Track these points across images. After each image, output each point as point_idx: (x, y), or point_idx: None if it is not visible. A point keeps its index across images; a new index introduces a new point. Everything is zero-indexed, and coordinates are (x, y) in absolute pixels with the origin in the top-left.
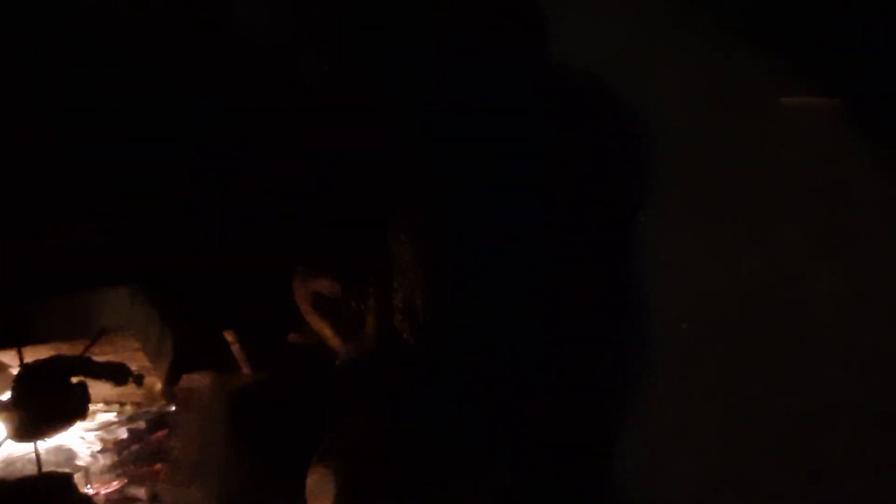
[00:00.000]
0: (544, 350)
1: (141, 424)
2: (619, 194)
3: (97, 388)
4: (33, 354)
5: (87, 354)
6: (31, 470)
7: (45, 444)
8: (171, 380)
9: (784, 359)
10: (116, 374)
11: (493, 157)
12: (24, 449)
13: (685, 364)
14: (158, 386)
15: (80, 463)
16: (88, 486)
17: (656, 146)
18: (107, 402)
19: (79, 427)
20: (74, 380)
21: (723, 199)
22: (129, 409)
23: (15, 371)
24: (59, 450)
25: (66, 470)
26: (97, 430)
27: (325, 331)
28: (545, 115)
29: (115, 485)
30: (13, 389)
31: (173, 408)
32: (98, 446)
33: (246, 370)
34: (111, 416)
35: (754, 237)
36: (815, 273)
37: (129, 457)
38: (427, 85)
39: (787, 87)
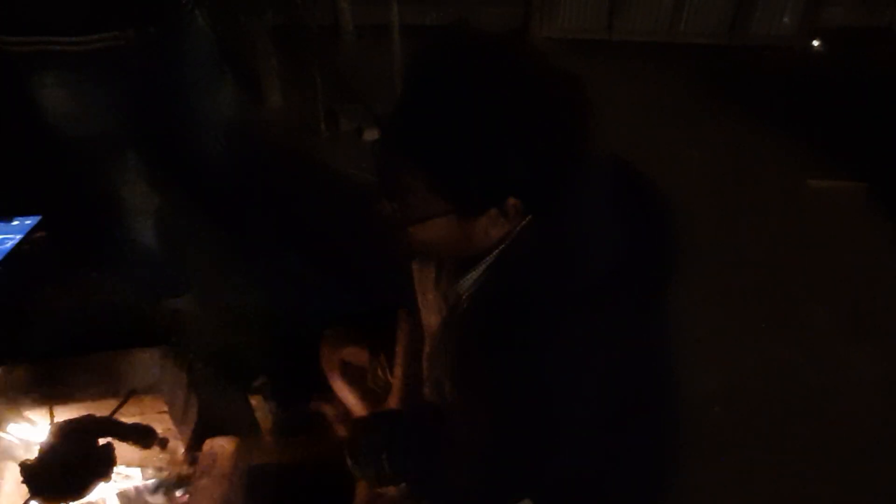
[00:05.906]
0: (573, 432)
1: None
2: (648, 276)
3: (119, 450)
4: (63, 413)
5: (116, 415)
6: None
7: None
8: (195, 444)
9: (817, 446)
10: (144, 436)
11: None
12: None
13: (718, 447)
14: (181, 450)
15: None
16: None
17: (684, 228)
18: (127, 465)
19: (101, 489)
20: (101, 441)
21: (753, 280)
22: (150, 472)
23: (43, 429)
24: None
25: None
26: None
27: (351, 399)
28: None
29: None
30: (40, 449)
31: (195, 473)
32: None
33: (270, 437)
34: (132, 480)
35: (785, 320)
36: (847, 358)
37: None
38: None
39: (814, 170)
